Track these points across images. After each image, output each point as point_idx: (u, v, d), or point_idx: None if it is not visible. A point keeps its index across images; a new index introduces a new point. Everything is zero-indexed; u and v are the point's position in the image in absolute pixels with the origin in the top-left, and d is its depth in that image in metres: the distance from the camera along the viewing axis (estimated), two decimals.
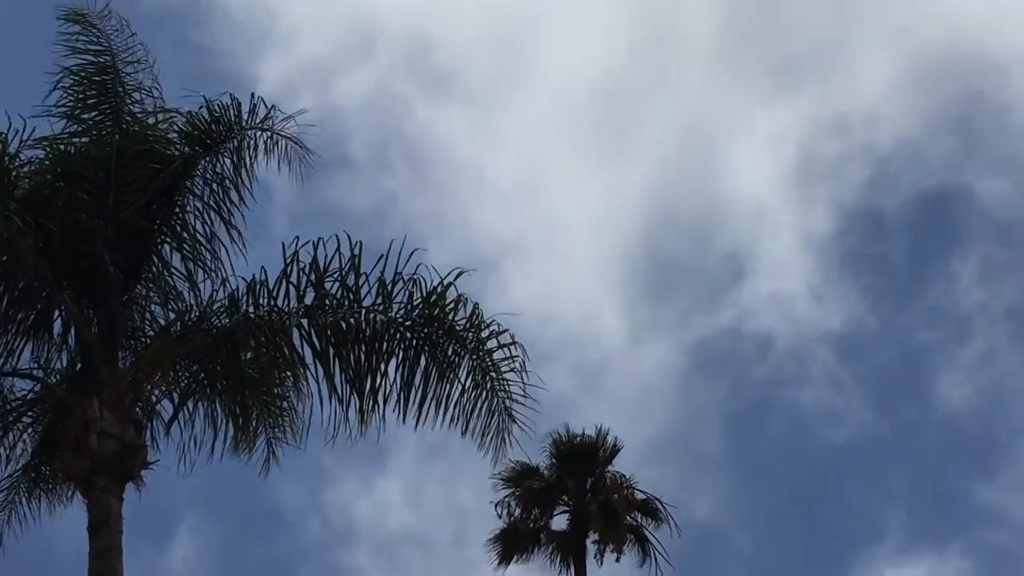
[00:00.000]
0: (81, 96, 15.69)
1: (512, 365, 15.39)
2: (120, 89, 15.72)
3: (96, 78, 15.77)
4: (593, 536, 28.82)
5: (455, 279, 15.32)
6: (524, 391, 15.33)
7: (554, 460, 29.09)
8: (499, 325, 15.44)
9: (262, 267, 15.42)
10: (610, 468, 29.25)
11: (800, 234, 43.46)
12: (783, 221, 43.69)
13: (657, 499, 28.70)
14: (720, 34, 45.93)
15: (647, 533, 28.80)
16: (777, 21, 45.75)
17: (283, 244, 15.34)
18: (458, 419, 15.50)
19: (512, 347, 15.39)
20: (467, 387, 15.50)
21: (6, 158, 14.93)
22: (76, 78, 15.74)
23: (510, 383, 15.43)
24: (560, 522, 29.21)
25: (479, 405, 15.48)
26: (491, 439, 15.50)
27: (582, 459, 28.90)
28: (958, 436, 41.12)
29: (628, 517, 28.68)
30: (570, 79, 43.71)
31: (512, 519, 29.02)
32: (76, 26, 15.84)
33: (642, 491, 28.91)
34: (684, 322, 41.81)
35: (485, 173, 40.43)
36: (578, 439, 28.93)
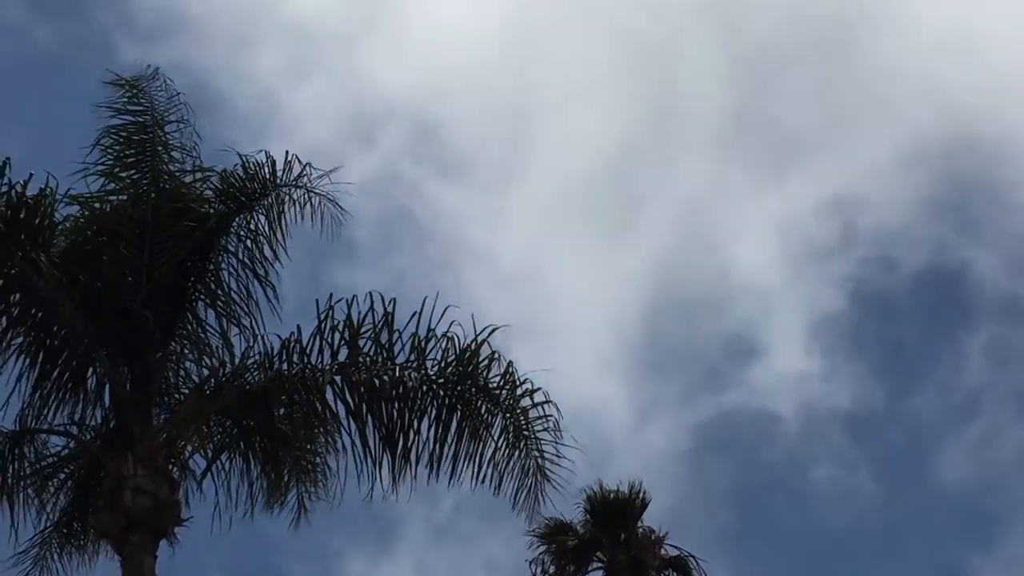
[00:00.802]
0: (120, 155, 15.82)
1: (545, 424, 15.36)
2: (159, 148, 15.86)
3: (135, 137, 15.90)
4: None
5: (488, 335, 15.32)
6: (557, 451, 15.29)
7: (588, 516, 28.90)
8: (532, 383, 15.41)
9: (297, 325, 15.51)
10: (642, 523, 29.05)
11: (803, 314, 43.52)
12: (785, 301, 43.72)
13: (691, 554, 28.46)
14: (721, 116, 46.24)
15: None
16: (777, 103, 46.15)
17: (317, 301, 15.43)
18: (491, 478, 15.46)
19: (546, 405, 15.37)
20: (500, 445, 15.46)
21: (47, 216, 15.01)
22: (116, 137, 15.88)
23: (543, 442, 15.39)
24: None
25: (512, 464, 15.44)
26: (525, 498, 15.44)
27: (616, 515, 28.70)
28: (961, 513, 41.09)
29: (659, 573, 28.46)
30: (574, 161, 44.03)
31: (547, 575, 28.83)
32: (121, 88, 16.06)
33: (674, 546, 28.70)
34: (690, 402, 41.93)
35: (489, 254, 40.63)
36: (612, 495, 28.75)
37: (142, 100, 16.09)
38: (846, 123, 45.72)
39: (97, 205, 15.48)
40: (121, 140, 15.86)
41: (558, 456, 15.29)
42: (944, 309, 44.39)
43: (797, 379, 41.58)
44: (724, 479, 37.13)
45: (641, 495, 28.90)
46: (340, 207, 15.41)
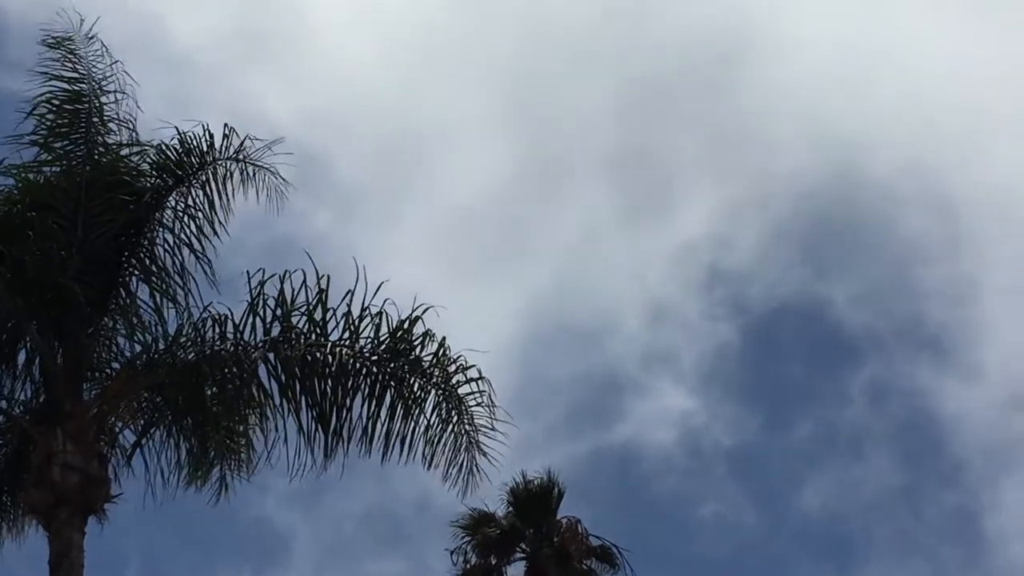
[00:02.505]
0: (53, 124, 15.62)
1: (479, 400, 15.42)
2: (96, 119, 15.65)
3: (69, 106, 15.69)
4: None
5: (422, 314, 15.32)
6: (492, 426, 15.35)
7: (511, 507, 29.00)
8: (466, 360, 15.46)
9: (223, 306, 15.41)
10: (566, 515, 29.19)
11: (683, 350, 44.49)
12: (664, 337, 44.56)
13: (614, 544, 28.64)
14: (605, 152, 47.38)
15: None
16: (658, 139, 47.17)
17: (247, 273, 15.29)
18: (423, 454, 15.50)
19: (479, 382, 15.42)
20: (433, 422, 15.49)
21: None
22: (49, 106, 15.65)
23: (477, 418, 15.45)
24: (518, 568, 29.10)
25: (445, 440, 15.48)
26: (459, 474, 15.49)
27: (538, 505, 28.83)
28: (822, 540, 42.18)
29: (583, 563, 28.59)
30: (458, 196, 44.49)
31: (468, 567, 28.87)
32: (56, 51, 15.80)
33: (597, 537, 28.86)
34: (571, 436, 42.48)
35: (374, 287, 40.82)
36: (533, 484, 28.86)
37: (79, 67, 15.88)
38: (720, 160, 46.85)
39: (30, 176, 15.33)
40: (54, 108, 15.65)
41: (491, 430, 15.34)
42: (814, 345, 45.84)
43: (677, 414, 42.35)
44: (603, 513, 37.63)
45: (557, 485, 29.09)
46: (282, 178, 15.36)
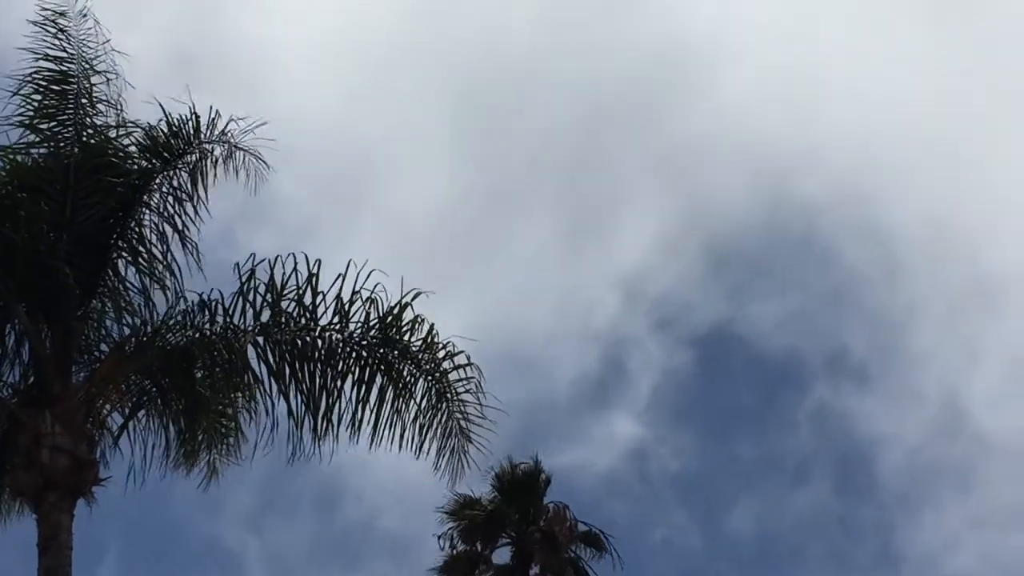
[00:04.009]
0: (41, 105, 15.52)
1: (468, 385, 15.40)
2: (84, 100, 15.56)
3: (56, 87, 15.60)
4: (535, 568, 28.75)
5: (413, 299, 15.30)
6: (481, 411, 15.33)
7: (496, 492, 29.03)
8: (455, 346, 15.44)
9: (213, 288, 15.39)
10: (552, 501, 29.23)
11: (625, 377, 44.80)
12: (608, 364, 44.81)
13: (600, 530, 28.70)
14: (551, 175, 47.62)
15: (586, 566, 28.78)
16: (598, 166, 47.38)
17: (237, 264, 15.30)
18: (413, 440, 15.48)
19: (468, 368, 15.40)
20: (422, 408, 15.47)
21: None
22: (36, 86, 15.56)
23: (466, 404, 15.44)
24: (504, 554, 29.15)
25: (435, 425, 15.46)
26: (447, 459, 15.48)
27: (524, 490, 28.85)
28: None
29: (570, 548, 28.63)
30: (402, 221, 44.38)
31: (454, 552, 28.90)
32: (45, 29, 15.67)
33: (584, 522, 28.91)
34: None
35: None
36: (519, 469, 28.89)
37: (67, 47, 15.75)
38: (660, 184, 47.20)
39: (19, 158, 15.24)
40: (41, 88, 15.54)
41: (481, 416, 15.32)
42: (750, 370, 46.12)
43: (623, 440, 42.43)
44: None
45: (544, 471, 29.14)
46: (264, 162, 15.30)
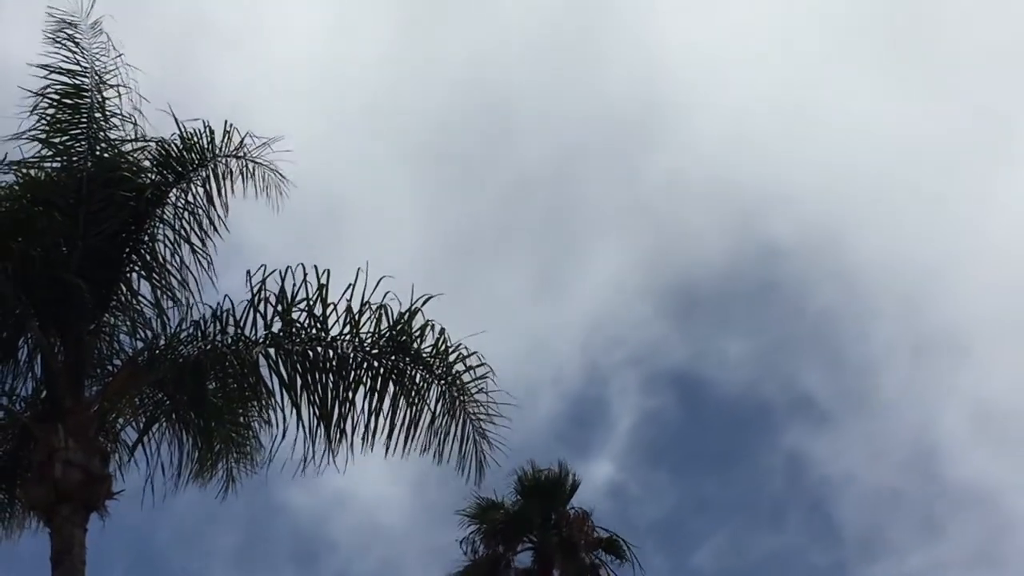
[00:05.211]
0: (54, 119, 15.56)
1: (481, 387, 15.35)
2: (98, 114, 15.58)
3: (69, 100, 15.62)
4: (556, 573, 28.70)
5: (423, 304, 15.25)
6: (496, 410, 15.28)
7: (519, 495, 29.00)
8: (466, 349, 15.40)
9: (225, 296, 15.40)
10: (573, 505, 29.18)
11: (598, 424, 44.69)
12: (580, 410, 44.72)
13: (620, 537, 28.64)
14: (525, 222, 47.50)
15: (609, 572, 28.72)
16: (568, 209, 47.39)
17: (248, 273, 15.27)
18: (429, 446, 15.44)
19: (480, 368, 15.33)
20: (437, 413, 15.44)
21: None
22: (50, 100, 15.59)
23: (480, 405, 15.39)
24: (525, 558, 29.11)
25: (451, 431, 15.42)
26: (466, 463, 15.45)
27: (546, 494, 28.82)
28: None
29: (590, 554, 28.58)
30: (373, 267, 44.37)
31: (476, 557, 28.87)
32: (58, 43, 15.71)
33: (605, 528, 28.86)
34: None
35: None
36: (543, 474, 28.86)
37: (81, 60, 15.79)
38: (629, 227, 47.11)
39: (33, 172, 15.27)
40: (55, 103, 15.56)
41: (497, 416, 15.28)
42: (718, 412, 45.97)
43: (599, 483, 42.21)
44: None
45: (572, 476, 29.07)
46: (282, 176, 15.32)
